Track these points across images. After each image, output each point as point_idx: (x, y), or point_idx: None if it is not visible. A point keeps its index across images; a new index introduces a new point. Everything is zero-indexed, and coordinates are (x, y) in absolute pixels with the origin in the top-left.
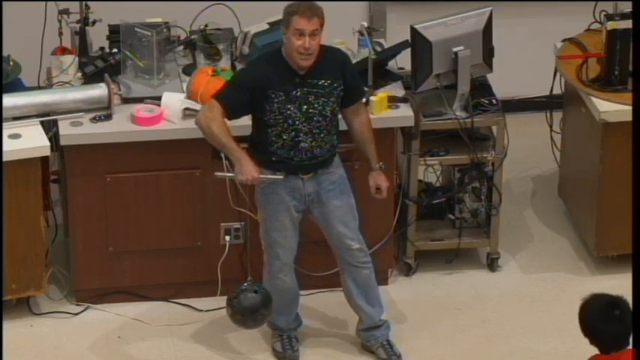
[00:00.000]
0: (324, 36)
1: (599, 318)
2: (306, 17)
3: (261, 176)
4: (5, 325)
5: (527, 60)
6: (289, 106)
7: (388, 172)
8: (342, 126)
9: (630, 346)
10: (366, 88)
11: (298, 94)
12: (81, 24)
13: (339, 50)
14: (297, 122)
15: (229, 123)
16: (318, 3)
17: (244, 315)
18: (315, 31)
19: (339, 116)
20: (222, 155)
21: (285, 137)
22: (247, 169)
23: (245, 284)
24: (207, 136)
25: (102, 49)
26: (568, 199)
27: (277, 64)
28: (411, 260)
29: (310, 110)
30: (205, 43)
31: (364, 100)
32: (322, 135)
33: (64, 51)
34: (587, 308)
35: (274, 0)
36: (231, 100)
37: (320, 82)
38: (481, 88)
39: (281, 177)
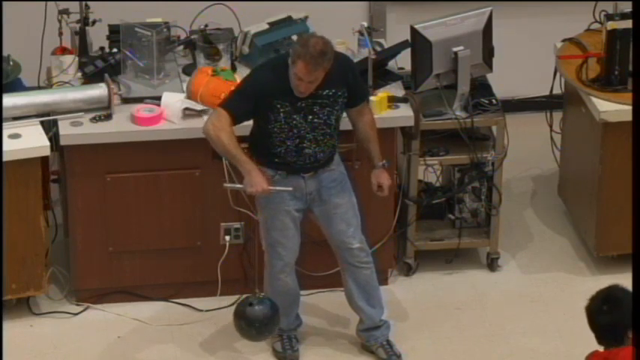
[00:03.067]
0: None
1: (592, 310)
2: (308, 69)
3: (271, 188)
4: (5, 325)
5: (527, 60)
6: (295, 116)
7: (389, 172)
8: (343, 126)
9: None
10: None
11: (303, 105)
12: (81, 24)
13: (342, 58)
14: (302, 131)
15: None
16: (319, 3)
17: (251, 327)
18: (314, 80)
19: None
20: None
21: (289, 143)
22: (257, 181)
23: (253, 296)
24: (217, 146)
25: (102, 49)
26: (568, 199)
27: (283, 74)
28: (411, 260)
29: (315, 120)
30: (205, 43)
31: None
32: (326, 141)
33: (64, 51)
34: (588, 302)
35: (274, 0)
36: (239, 109)
37: (324, 93)
38: (481, 88)
39: (290, 189)
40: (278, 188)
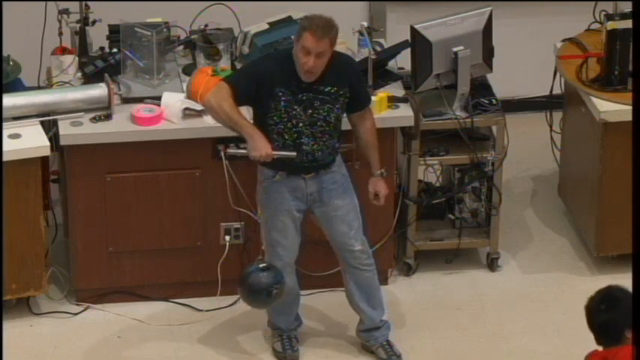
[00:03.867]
0: None
1: (592, 309)
2: (315, 37)
3: (274, 152)
4: (5, 325)
5: (527, 60)
6: (295, 107)
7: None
8: (343, 127)
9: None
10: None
11: (304, 97)
12: (81, 24)
13: (346, 57)
14: (300, 124)
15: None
16: (319, 3)
17: (255, 295)
18: (322, 53)
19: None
20: (222, 155)
21: (287, 137)
22: (260, 145)
23: (256, 264)
24: (219, 114)
25: (102, 49)
26: (568, 199)
27: (287, 65)
28: (411, 260)
29: (315, 115)
30: (205, 43)
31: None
32: (324, 139)
33: (64, 51)
34: (588, 300)
35: (274, 0)
36: (240, 85)
37: (326, 89)
38: (481, 88)
39: (294, 154)
40: (281, 153)
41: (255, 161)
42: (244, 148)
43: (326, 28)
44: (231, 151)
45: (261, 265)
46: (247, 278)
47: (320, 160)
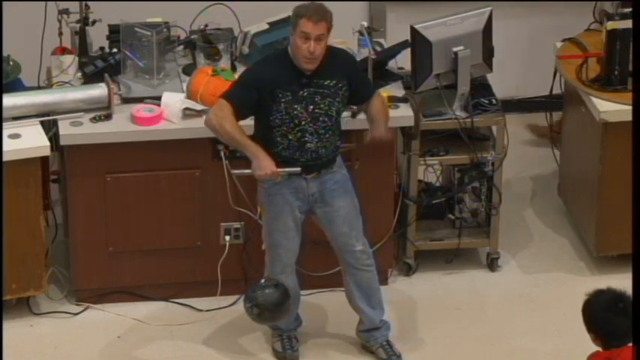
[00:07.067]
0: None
1: (604, 307)
2: (312, 21)
3: (279, 170)
4: (5, 325)
5: (527, 60)
6: (296, 106)
7: (388, 172)
8: (343, 127)
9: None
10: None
11: (305, 94)
12: (81, 24)
13: (345, 52)
14: (303, 122)
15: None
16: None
17: (263, 311)
18: (321, 36)
19: (342, 116)
20: (222, 155)
21: (290, 137)
22: (265, 164)
23: (263, 281)
24: (221, 135)
25: (102, 49)
26: (568, 199)
27: (284, 64)
28: (411, 260)
29: (316, 110)
30: (205, 43)
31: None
32: (327, 135)
33: (64, 51)
34: (593, 300)
35: (274, 0)
36: (241, 100)
37: (326, 83)
38: (481, 88)
39: (298, 170)
40: (287, 170)
41: (260, 180)
42: (249, 168)
43: (321, 11)
44: (237, 171)
45: (268, 283)
46: (255, 295)
47: (324, 157)
